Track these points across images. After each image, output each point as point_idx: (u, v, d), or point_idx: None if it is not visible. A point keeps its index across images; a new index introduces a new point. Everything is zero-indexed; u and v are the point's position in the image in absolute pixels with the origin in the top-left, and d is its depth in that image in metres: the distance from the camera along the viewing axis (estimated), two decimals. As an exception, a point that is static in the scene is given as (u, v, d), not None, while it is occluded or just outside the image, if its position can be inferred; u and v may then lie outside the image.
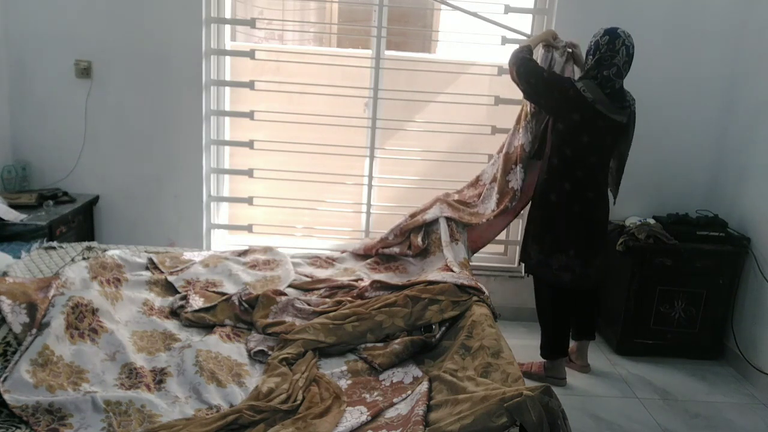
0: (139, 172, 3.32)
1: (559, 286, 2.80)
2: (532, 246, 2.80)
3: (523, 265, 2.99)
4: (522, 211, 3.06)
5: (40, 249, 2.55)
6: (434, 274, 2.42)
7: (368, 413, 1.71)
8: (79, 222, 3.16)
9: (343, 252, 2.94)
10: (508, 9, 3.25)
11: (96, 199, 3.30)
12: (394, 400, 1.78)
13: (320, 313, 2.22)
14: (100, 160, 3.29)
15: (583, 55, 2.76)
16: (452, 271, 2.46)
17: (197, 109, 3.26)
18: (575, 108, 2.57)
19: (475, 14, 3.08)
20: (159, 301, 2.28)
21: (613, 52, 2.57)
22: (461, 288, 2.27)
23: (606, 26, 2.64)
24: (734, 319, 3.22)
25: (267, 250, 2.79)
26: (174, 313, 2.22)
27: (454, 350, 1.95)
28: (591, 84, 2.58)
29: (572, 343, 3.04)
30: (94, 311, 1.98)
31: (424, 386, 1.79)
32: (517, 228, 3.53)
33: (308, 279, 2.57)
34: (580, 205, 2.70)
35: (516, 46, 2.80)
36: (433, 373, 1.88)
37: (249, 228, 3.52)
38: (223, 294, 2.33)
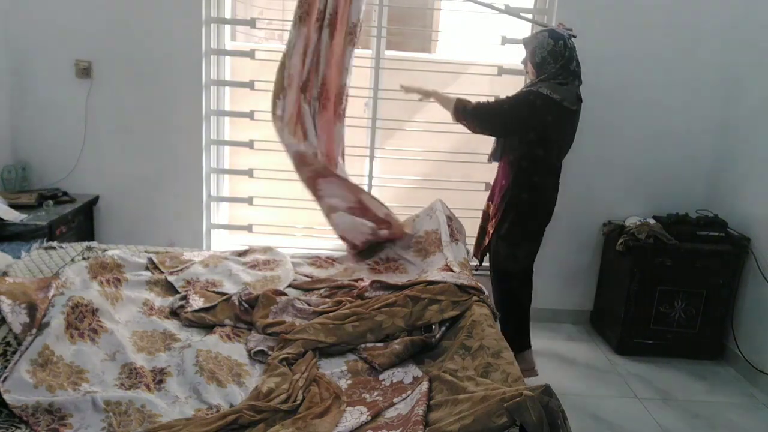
0: (139, 172, 3.32)
1: (518, 269, 2.86)
2: (500, 244, 2.82)
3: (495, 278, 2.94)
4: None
5: (40, 249, 2.54)
6: (434, 274, 2.42)
7: (368, 413, 1.71)
8: (79, 222, 3.16)
9: (352, 249, 2.91)
10: (508, 9, 3.25)
11: (96, 199, 3.31)
12: (394, 400, 1.78)
13: (320, 313, 2.22)
14: (100, 160, 3.29)
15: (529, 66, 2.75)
16: (452, 271, 2.46)
17: (197, 109, 3.26)
18: (546, 112, 2.60)
19: (499, 9, 3.07)
20: (159, 301, 2.28)
21: (570, 50, 2.64)
22: (461, 288, 2.27)
23: (543, 30, 2.69)
24: (734, 319, 3.22)
25: (267, 250, 2.79)
26: (174, 313, 2.21)
27: (454, 350, 1.95)
28: (554, 85, 2.60)
29: None
30: (94, 311, 1.98)
31: (424, 386, 1.79)
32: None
33: (308, 279, 2.57)
34: (547, 195, 2.78)
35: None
36: (433, 373, 1.88)
37: (249, 228, 3.52)
38: (223, 294, 2.33)
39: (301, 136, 2.95)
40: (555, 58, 2.62)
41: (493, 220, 2.86)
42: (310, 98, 2.97)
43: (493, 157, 2.91)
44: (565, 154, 2.80)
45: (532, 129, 2.65)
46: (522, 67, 2.92)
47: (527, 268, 2.90)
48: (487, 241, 2.91)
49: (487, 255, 2.95)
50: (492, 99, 2.76)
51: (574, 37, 2.83)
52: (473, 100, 2.79)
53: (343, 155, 3.05)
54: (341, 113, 3.00)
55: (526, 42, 2.74)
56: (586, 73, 2.76)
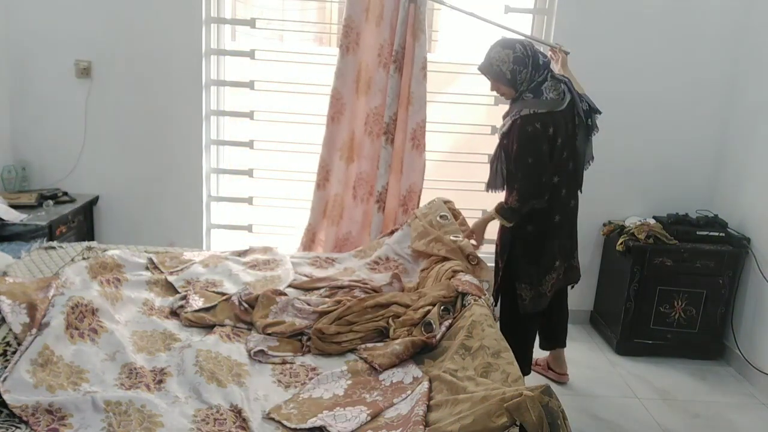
0: (139, 172, 3.32)
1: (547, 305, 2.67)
2: (520, 287, 2.60)
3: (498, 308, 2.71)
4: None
5: (40, 249, 2.55)
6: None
7: (368, 413, 1.71)
8: (79, 222, 3.16)
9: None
10: (508, 9, 3.26)
11: (96, 199, 3.31)
12: (394, 400, 1.78)
13: (320, 313, 2.22)
14: (100, 160, 3.29)
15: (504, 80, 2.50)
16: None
17: (197, 109, 3.26)
18: (545, 129, 2.41)
19: (485, 20, 3.04)
20: (159, 301, 2.28)
21: (527, 47, 2.44)
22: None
23: (492, 48, 2.50)
24: (734, 319, 3.22)
25: (267, 250, 2.79)
26: (174, 313, 2.21)
27: (454, 350, 1.95)
28: (531, 100, 2.43)
29: (547, 354, 2.95)
30: (94, 311, 1.98)
31: (424, 386, 1.79)
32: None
33: (308, 279, 2.57)
34: (562, 214, 2.59)
35: None
36: (433, 373, 1.88)
37: (249, 228, 3.52)
38: (223, 294, 2.33)
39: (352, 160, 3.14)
40: (523, 63, 2.41)
41: (504, 256, 2.63)
42: (379, 132, 3.08)
43: (491, 185, 2.68)
44: (580, 160, 2.62)
45: (548, 151, 2.44)
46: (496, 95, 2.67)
47: (557, 298, 2.72)
48: (498, 279, 2.67)
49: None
50: (508, 171, 2.52)
51: (567, 53, 2.82)
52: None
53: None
54: (422, 147, 3.09)
55: (483, 69, 2.53)
56: (585, 74, 2.76)
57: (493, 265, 2.75)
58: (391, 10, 2.99)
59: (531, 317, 2.66)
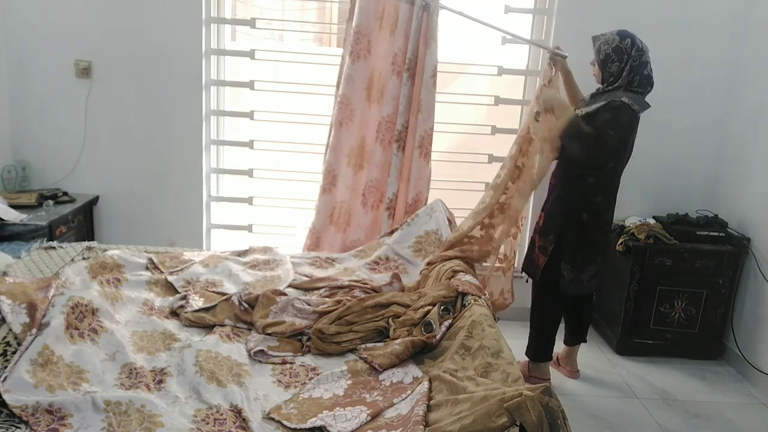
0: (139, 172, 3.32)
1: (584, 293, 2.78)
2: (564, 267, 2.69)
3: (531, 279, 2.89)
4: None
5: (40, 249, 2.55)
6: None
7: (368, 413, 1.71)
8: (79, 222, 3.16)
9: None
10: (508, 9, 3.25)
11: (96, 199, 3.31)
12: (394, 400, 1.78)
13: (320, 313, 2.22)
14: (100, 160, 3.29)
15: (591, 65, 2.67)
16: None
17: (197, 109, 3.26)
18: (629, 124, 2.52)
19: (496, 28, 3.04)
20: (159, 301, 2.28)
21: (639, 51, 2.50)
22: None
23: (616, 29, 2.55)
24: (734, 319, 3.22)
25: (267, 250, 2.79)
26: (174, 313, 2.22)
27: (454, 350, 1.95)
28: (633, 95, 2.49)
29: (564, 348, 3.03)
30: (94, 311, 1.98)
31: (424, 386, 1.79)
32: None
33: (308, 279, 2.57)
34: (610, 213, 2.72)
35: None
36: (433, 373, 1.88)
37: (249, 228, 3.52)
38: (223, 294, 2.33)
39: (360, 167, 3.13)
40: (619, 56, 2.49)
41: (551, 237, 2.69)
42: (391, 140, 3.06)
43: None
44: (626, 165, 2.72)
45: (620, 144, 2.53)
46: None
47: (591, 290, 2.80)
48: (543, 259, 2.72)
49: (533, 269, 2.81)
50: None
51: (564, 57, 2.81)
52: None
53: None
54: (428, 155, 3.09)
55: (594, 38, 2.61)
56: (585, 74, 2.76)
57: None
58: (406, 19, 2.97)
59: (562, 301, 2.79)
